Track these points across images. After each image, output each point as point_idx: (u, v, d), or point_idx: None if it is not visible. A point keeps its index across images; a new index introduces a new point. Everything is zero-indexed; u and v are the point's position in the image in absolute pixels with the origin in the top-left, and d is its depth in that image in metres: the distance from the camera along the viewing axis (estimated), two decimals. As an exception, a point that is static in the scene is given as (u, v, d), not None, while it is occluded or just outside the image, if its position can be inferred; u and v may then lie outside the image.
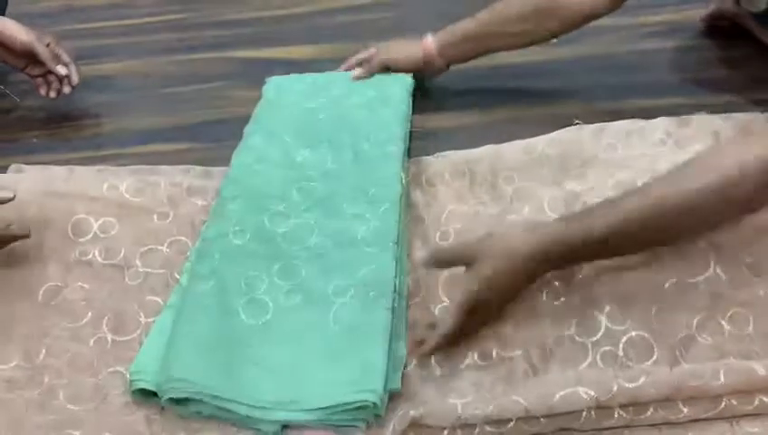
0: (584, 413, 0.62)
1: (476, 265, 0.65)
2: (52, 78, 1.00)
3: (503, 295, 0.66)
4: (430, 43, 0.97)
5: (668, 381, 0.62)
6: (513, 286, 0.66)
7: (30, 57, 0.99)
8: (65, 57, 1.01)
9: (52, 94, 1.02)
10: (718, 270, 0.69)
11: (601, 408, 0.62)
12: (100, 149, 0.99)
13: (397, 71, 1.00)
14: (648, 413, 0.62)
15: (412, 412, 0.62)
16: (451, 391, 0.65)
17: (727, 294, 0.68)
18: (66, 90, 1.01)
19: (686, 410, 0.62)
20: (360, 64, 1.03)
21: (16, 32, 0.98)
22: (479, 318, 0.66)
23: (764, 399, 0.62)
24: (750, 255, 0.71)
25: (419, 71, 1.00)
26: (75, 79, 1.01)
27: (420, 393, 0.65)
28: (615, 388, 0.61)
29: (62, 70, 1.00)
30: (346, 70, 1.03)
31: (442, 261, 0.70)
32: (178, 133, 1.01)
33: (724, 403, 0.62)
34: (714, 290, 0.68)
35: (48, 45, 1.00)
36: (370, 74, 1.00)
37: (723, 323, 0.67)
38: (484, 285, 0.64)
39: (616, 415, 0.62)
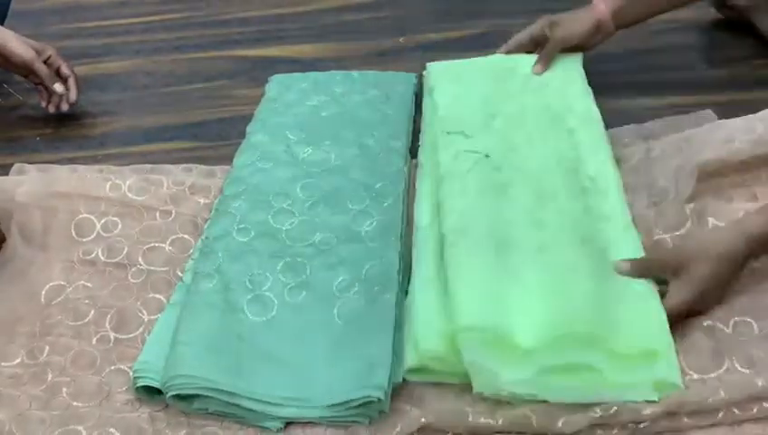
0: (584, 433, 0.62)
1: (689, 271, 0.66)
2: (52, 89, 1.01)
3: (715, 297, 0.67)
4: (603, 8, 0.95)
5: (668, 401, 0.62)
6: (723, 287, 0.67)
7: (29, 70, 0.99)
8: (65, 70, 1.01)
9: (51, 109, 1.02)
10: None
11: (603, 424, 0.62)
12: (104, 148, 0.99)
13: (569, 46, 0.98)
14: (649, 423, 0.62)
15: (423, 419, 0.62)
16: (463, 393, 0.65)
17: (732, 301, 0.68)
18: (64, 107, 1.01)
19: (686, 419, 0.62)
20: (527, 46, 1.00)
21: (16, 47, 0.98)
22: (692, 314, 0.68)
23: (765, 405, 0.62)
24: (758, 260, 0.71)
25: (586, 42, 0.98)
26: (73, 97, 1.01)
27: (428, 398, 0.65)
28: (615, 407, 0.61)
29: (58, 88, 1.00)
30: (506, 53, 1.00)
31: (645, 272, 0.69)
32: (182, 132, 1.01)
33: (724, 412, 0.62)
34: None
35: (49, 58, 1.00)
36: (550, 64, 0.97)
37: (726, 329, 0.67)
38: (698, 292, 0.66)
39: (615, 431, 0.62)
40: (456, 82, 0.96)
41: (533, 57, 0.99)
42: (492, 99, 0.93)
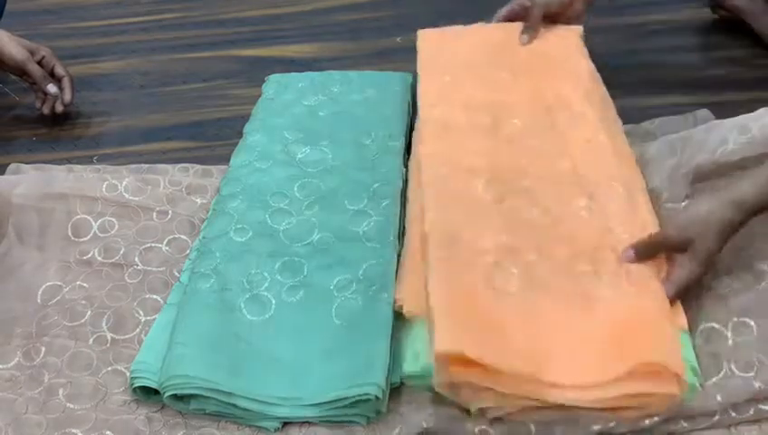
0: None
1: (695, 247, 0.67)
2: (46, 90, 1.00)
3: (713, 264, 0.69)
4: None
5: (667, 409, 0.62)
6: (719, 254, 0.68)
7: (23, 71, 0.99)
8: (60, 70, 1.01)
9: (45, 110, 1.01)
10: (723, 276, 0.69)
11: (601, 434, 0.62)
12: (101, 148, 0.99)
13: (552, 13, 0.97)
14: (647, 424, 0.62)
15: (424, 424, 0.62)
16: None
17: (732, 302, 0.68)
18: (58, 108, 1.01)
19: (683, 422, 0.63)
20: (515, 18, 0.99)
21: (9, 48, 0.98)
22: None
23: (761, 407, 0.63)
24: (759, 259, 0.71)
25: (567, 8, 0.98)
26: (68, 97, 1.01)
27: (428, 403, 0.64)
28: (613, 423, 0.61)
29: (51, 89, 0.99)
30: (499, 21, 1.00)
31: (651, 252, 0.70)
32: (179, 131, 1.01)
33: (721, 415, 0.62)
34: (718, 296, 0.69)
35: (43, 59, 1.00)
36: (537, 31, 0.96)
37: (726, 332, 0.67)
38: (704, 264, 0.67)
39: None
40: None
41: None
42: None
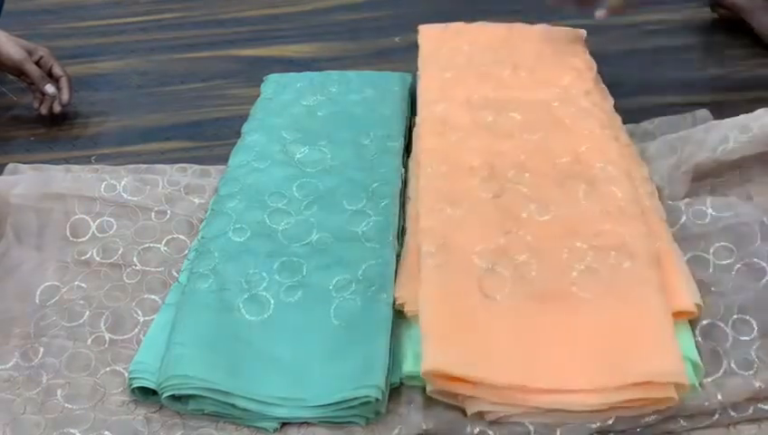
0: None
1: None
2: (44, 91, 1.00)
3: None
4: None
5: (665, 408, 0.61)
6: None
7: (20, 71, 0.99)
8: (58, 71, 1.01)
9: (43, 111, 1.01)
10: (723, 272, 0.69)
11: (600, 432, 0.62)
12: (99, 148, 0.99)
13: None
14: (647, 421, 0.62)
15: (423, 425, 0.62)
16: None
17: (732, 299, 0.68)
18: (56, 108, 1.01)
19: (682, 421, 0.62)
20: None
21: (8, 48, 0.97)
22: None
23: (761, 406, 0.62)
24: (759, 257, 0.70)
25: None
26: (66, 97, 1.00)
27: (428, 403, 0.64)
28: (612, 419, 0.61)
29: (49, 89, 0.99)
30: None
31: None
32: (177, 131, 1.01)
33: (720, 414, 0.62)
34: (718, 293, 0.68)
35: (41, 59, 1.00)
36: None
37: (725, 328, 0.66)
38: None
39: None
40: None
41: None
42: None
